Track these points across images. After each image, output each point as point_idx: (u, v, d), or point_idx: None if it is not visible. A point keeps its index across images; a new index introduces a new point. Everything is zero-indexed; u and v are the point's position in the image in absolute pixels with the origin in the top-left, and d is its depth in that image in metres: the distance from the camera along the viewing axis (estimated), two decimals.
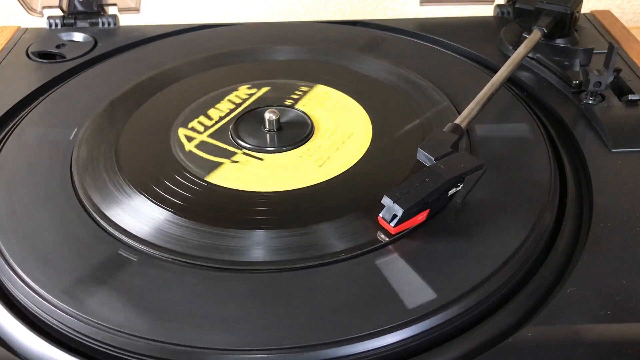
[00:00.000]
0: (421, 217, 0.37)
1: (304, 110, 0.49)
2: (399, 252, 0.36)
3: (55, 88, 0.54)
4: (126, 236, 0.38)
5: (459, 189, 0.38)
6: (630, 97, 0.49)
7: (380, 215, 0.37)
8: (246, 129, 0.47)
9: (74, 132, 0.47)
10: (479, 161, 0.38)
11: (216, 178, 0.42)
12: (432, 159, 0.38)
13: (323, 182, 0.42)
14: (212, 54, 0.58)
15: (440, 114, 0.48)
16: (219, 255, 0.36)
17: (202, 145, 0.46)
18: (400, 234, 0.37)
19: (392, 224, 0.36)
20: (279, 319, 0.32)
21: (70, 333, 0.33)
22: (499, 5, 0.67)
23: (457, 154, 0.39)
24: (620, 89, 0.51)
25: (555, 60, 0.55)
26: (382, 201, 0.36)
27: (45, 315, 0.34)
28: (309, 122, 0.47)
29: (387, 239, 0.37)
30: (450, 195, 0.38)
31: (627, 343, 0.31)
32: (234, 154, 0.45)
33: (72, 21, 0.66)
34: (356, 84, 0.53)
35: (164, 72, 0.55)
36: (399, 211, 0.35)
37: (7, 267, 0.36)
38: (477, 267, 0.35)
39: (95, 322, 0.32)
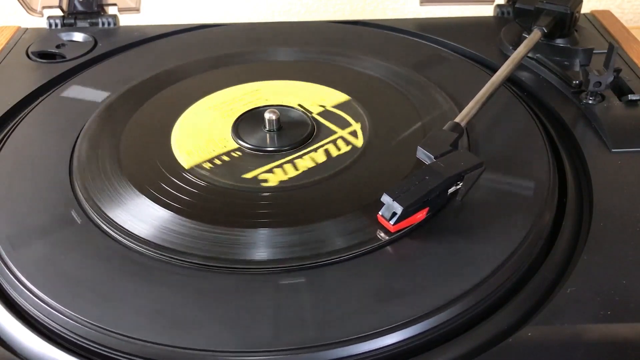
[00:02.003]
0: (421, 215, 0.37)
1: (305, 110, 0.49)
2: (398, 250, 0.36)
3: (55, 88, 0.54)
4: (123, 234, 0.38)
5: (458, 187, 0.38)
6: (630, 97, 0.49)
7: (380, 213, 0.37)
8: (246, 128, 0.47)
9: (75, 128, 0.48)
10: (479, 159, 0.38)
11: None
12: (432, 157, 0.38)
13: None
14: (213, 54, 0.58)
15: (440, 113, 0.48)
16: (219, 253, 0.36)
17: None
18: (400, 232, 0.37)
19: (392, 222, 0.36)
20: (280, 319, 0.32)
21: (69, 334, 0.33)
22: (499, 5, 0.67)
23: (456, 152, 0.39)
24: (620, 89, 0.51)
25: (555, 60, 0.54)
26: (381, 199, 0.36)
27: (43, 317, 0.34)
28: (309, 122, 0.47)
29: (386, 237, 0.36)
30: (450, 194, 0.38)
31: (627, 343, 0.31)
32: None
33: (72, 21, 0.66)
34: (356, 84, 0.53)
35: (164, 71, 0.55)
36: (399, 209, 0.35)
37: (4, 268, 0.36)
38: (476, 267, 0.35)
39: (95, 325, 0.32)
